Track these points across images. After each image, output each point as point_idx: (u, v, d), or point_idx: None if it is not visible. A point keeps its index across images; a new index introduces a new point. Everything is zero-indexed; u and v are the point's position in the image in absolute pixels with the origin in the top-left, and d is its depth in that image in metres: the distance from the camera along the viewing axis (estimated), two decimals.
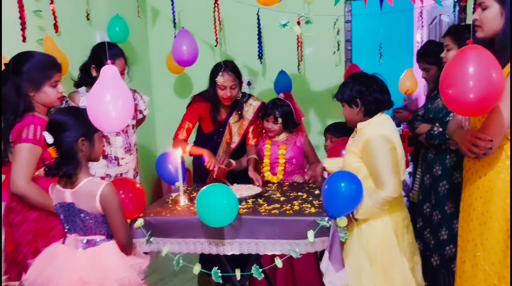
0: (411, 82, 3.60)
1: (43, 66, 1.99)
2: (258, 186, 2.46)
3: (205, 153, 2.64)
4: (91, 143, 1.77)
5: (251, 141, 2.83)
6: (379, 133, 1.96)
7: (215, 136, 2.82)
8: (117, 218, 1.74)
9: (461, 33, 2.26)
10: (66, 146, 1.71)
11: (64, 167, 1.72)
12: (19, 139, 1.88)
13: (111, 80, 1.70)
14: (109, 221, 1.75)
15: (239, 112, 2.82)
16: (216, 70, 2.71)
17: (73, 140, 1.72)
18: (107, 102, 1.66)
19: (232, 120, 2.82)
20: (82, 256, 1.74)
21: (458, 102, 1.54)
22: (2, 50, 2.25)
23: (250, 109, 2.83)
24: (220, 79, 2.66)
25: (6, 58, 2.19)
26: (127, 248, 1.79)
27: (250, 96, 2.88)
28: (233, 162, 2.73)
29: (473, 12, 3.34)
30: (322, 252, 1.91)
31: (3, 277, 2.02)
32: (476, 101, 1.50)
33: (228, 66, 2.70)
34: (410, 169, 3.08)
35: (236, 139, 2.84)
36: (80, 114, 1.77)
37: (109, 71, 1.72)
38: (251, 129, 2.83)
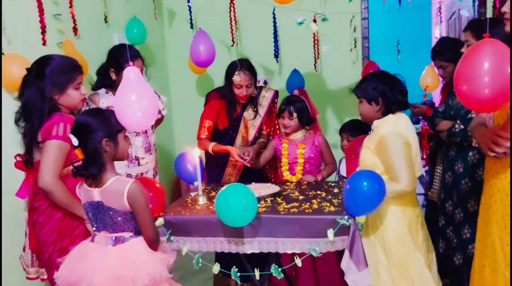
0: (432, 79, 3.54)
1: (66, 69, 2.02)
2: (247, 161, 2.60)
3: (230, 150, 2.68)
4: (115, 144, 1.80)
5: (264, 131, 2.90)
6: (394, 130, 2.00)
7: (230, 131, 2.84)
8: (144, 214, 1.77)
9: (482, 27, 2.21)
10: (91, 147, 1.74)
11: (91, 168, 1.75)
12: (49, 137, 1.91)
13: (135, 81, 1.73)
14: (137, 218, 1.78)
15: (255, 109, 2.83)
16: (232, 69, 2.72)
17: (98, 142, 1.75)
18: (132, 103, 1.70)
19: (247, 115, 2.83)
20: (112, 252, 1.77)
21: (473, 97, 1.50)
22: (24, 53, 2.30)
23: (264, 101, 2.85)
24: (236, 78, 2.68)
25: (29, 61, 2.24)
26: (154, 244, 1.82)
27: (261, 88, 2.89)
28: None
29: (493, 6, 3.28)
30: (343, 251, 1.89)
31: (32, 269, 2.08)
32: (491, 97, 1.45)
33: (244, 65, 2.70)
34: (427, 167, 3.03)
35: (252, 133, 2.86)
36: (103, 115, 1.80)
37: (131, 72, 1.74)
38: (264, 121, 2.86)
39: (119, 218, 1.78)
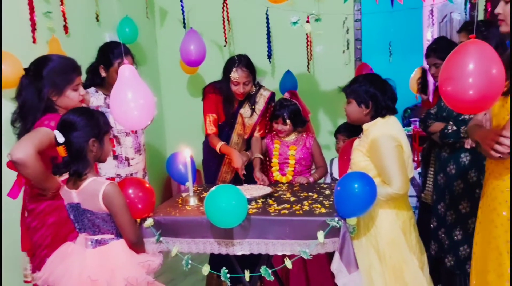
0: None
1: (64, 70, 1.99)
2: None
3: (233, 155, 2.64)
4: (101, 144, 1.78)
5: (256, 133, 2.83)
6: (386, 132, 1.99)
7: (226, 128, 2.81)
8: (122, 216, 1.74)
9: (478, 29, 2.21)
10: (77, 146, 1.72)
11: (74, 166, 1.73)
12: (40, 125, 1.86)
13: (131, 79, 1.72)
14: (115, 220, 1.75)
15: (253, 107, 2.79)
16: (230, 65, 2.68)
17: (84, 141, 1.73)
18: (128, 101, 1.70)
19: (244, 112, 2.80)
20: (91, 255, 1.75)
21: (457, 99, 1.49)
22: (14, 51, 2.26)
23: (261, 99, 2.81)
24: (234, 75, 2.64)
25: (19, 59, 2.20)
26: (136, 246, 1.80)
27: (261, 86, 2.85)
28: (249, 155, 2.73)
29: (485, 9, 3.30)
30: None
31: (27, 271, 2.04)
32: (475, 98, 1.44)
33: (242, 61, 2.66)
34: (419, 169, 3.03)
35: (248, 130, 2.82)
36: (92, 115, 1.78)
37: (126, 70, 1.73)
38: (259, 121, 2.83)
39: (98, 220, 1.76)
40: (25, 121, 1.94)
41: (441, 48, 2.76)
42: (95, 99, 2.49)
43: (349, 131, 2.81)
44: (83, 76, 2.61)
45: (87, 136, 1.73)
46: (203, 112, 2.80)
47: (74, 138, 1.72)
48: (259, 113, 2.80)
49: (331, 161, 2.88)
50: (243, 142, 2.82)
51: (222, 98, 2.76)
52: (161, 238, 1.97)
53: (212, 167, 2.86)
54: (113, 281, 1.67)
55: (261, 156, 2.75)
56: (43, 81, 1.93)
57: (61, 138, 1.71)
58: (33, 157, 1.79)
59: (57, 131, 1.72)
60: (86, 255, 1.75)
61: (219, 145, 2.70)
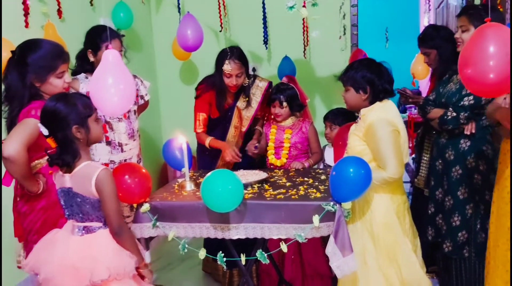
0: (422, 66, 3.56)
1: (49, 57, 1.95)
2: (255, 148, 2.66)
3: (224, 148, 2.66)
4: (86, 129, 1.73)
5: (259, 116, 2.89)
6: (382, 117, 2.00)
7: (223, 122, 2.81)
8: (110, 204, 1.71)
9: (478, 13, 2.20)
10: (61, 135, 1.69)
11: (64, 156, 1.70)
12: (26, 116, 1.85)
13: (113, 64, 1.69)
14: (103, 206, 1.72)
15: (247, 99, 2.79)
16: (222, 57, 2.67)
17: (67, 130, 1.68)
18: (109, 86, 1.66)
19: (241, 105, 2.80)
20: (77, 242, 1.73)
21: (478, 82, 1.50)
22: (7, 36, 2.24)
23: (257, 91, 2.81)
24: (226, 67, 2.63)
25: (12, 43, 2.19)
26: (117, 236, 1.75)
27: (255, 77, 2.85)
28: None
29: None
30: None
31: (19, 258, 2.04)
32: (496, 81, 1.45)
33: (234, 53, 2.65)
34: (414, 155, 3.04)
35: (246, 123, 2.83)
36: (69, 101, 1.71)
37: (110, 55, 1.70)
38: (258, 112, 2.84)
39: (87, 206, 1.73)
40: (11, 105, 1.92)
41: (427, 37, 2.76)
42: (85, 85, 2.45)
43: (336, 118, 2.82)
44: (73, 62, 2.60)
45: (68, 125, 1.68)
46: (194, 109, 2.80)
47: (56, 128, 1.68)
48: (257, 105, 2.80)
49: (323, 147, 2.90)
50: (239, 136, 2.83)
51: (215, 92, 2.75)
52: (157, 223, 1.99)
53: (207, 161, 2.85)
54: (96, 270, 1.64)
55: (261, 129, 2.82)
56: (27, 67, 1.91)
57: (45, 131, 1.68)
58: (23, 154, 1.79)
59: (41, 124, 1.69)
60: (72, 242, 1.73)
61: (207, 140, 2.73)
